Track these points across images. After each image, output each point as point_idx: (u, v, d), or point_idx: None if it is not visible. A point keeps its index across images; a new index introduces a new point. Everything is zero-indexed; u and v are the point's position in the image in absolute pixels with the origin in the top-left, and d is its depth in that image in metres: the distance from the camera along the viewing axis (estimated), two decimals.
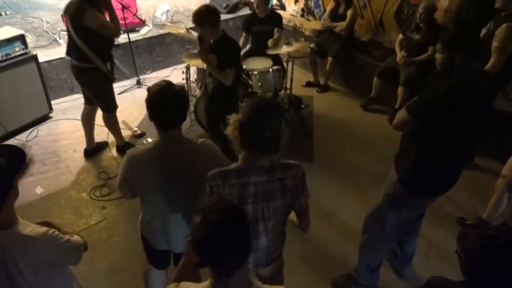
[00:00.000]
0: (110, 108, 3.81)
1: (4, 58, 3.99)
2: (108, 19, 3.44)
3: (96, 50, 3.41)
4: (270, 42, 4.55)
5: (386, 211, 2.55)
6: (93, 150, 4.12)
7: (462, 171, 2.44)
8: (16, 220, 1.63)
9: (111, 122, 3.92)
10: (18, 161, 1.74)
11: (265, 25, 4.70)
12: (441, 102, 2.12)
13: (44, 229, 1.66)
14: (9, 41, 4.02)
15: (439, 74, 2.32)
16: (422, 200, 2.50)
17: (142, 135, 4.40)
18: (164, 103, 1.91)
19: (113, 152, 4.14)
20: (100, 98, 3.73)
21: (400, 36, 4.72)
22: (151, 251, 2.31)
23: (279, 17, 4.86)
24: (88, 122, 3.96)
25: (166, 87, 1.94)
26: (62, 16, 5.40)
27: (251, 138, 1.66)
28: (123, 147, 4.05)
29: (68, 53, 3.59)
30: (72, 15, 3.31)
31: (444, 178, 2.39)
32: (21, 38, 4.12)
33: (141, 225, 2.27)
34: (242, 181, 1.70)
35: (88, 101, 3.86)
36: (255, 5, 4.68)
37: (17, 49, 4.09)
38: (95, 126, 4.08)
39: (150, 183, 2.03)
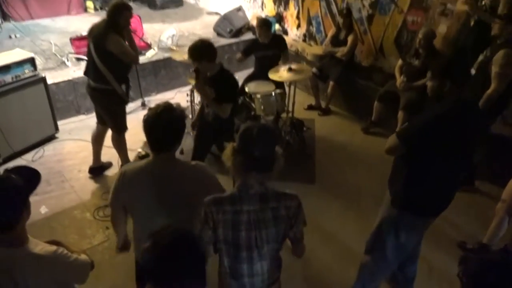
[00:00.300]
0: (120, 129, 3.91)
1: (14, 80, 4.10)
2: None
3: (115, 72, 3.55)
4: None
5: (385, 235, 2.58)
6: (98, 169, 4.19)
7: (454, 193, 2.49)
8: (27, 239, 1.68)
9: (120, 143, 4.00)
10: (33, 181, 1.81)
11: (269, 50, 4.83)
12: (428, 129, 2.22)
13: (54, 247, 1.70)
14: (20, 63, 4.14)
15: (431, 101, 2.41)
16: (416, 222, 2.52)
17: (146, 157, 4.45)
18: (159, 126, 1.92)
19: (107, 172, 4.21)
20: (113, 119, 3.83)
21: (400, 61, 4.83)
22: (142, 276, 2.25)
23: (282, 40, 4.99)
24: (98, 140, 4.07)
25: (163, 110, 1.94)
26: (70, 39, 5.59)
27: (242, 158, 1.70)
28: (99, 168, 4.14)
29: (86, 73, 3.74)
30: (96, 37, 3.47)
31: (434, 200, 2.44)
32: (31, 61, 4.24)
33: (134, 245, 2.25)
34: (236, 209, 1.74)
35: (101, 121, 3.96)
36: (257, 33, 4.81)
37: (26, 71, 4.20)
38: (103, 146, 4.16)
39: (140, 201, 2.03)
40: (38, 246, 1.68)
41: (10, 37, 6.22)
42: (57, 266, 1.68)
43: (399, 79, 4.65)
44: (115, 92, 3.64)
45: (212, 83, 3.27)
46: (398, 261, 2.70)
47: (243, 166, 1.72)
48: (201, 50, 3.18)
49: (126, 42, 3.59)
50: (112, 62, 3.49)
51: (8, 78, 4.04)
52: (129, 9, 3.56)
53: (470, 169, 2.41)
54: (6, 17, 6.90)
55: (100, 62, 3.50)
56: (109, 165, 4.28)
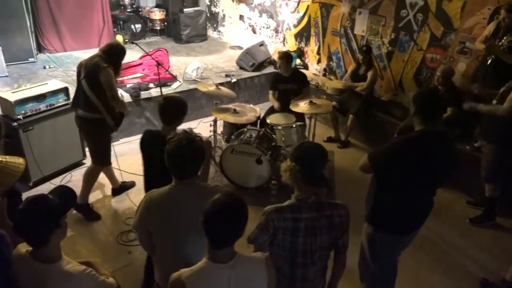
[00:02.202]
0: (102, 162, 3.94)
1: (49, 107, 4.33)
2: None
3: (105, 101, 3.62)
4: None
5: (370, 257, 2.67)
6: (120, 189, 4.35)
7: (424, 216, 2.59)
8: (60, 256, 1.78)
9: (91, 175, 3.96)
10: (68, 201, 1.93)
11: (290, 84, 4.99)
12: (392, 155, 2.36)
13: (83, 267, 1.79)
14: (55, 92, 4.38)
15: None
16: (391, 239, 2.59)
17: None
18: (181, 157, 2.02)
19: (132, 197, 4.31)
20: (97, 150, 3.89)
21: None
22: None
23: (303, 76, 5.15)
24: (107, 167, 4.15)
25: (185, 143, 2.02)
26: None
27: (310, 177, 1.89)
28: (84, 206, 4.00)
29: (74, 104, 3.83)
30: (90, 68, 3.57)
31: (402, 219, 2.52)
32: (65, 90, 4.49)
33: (155, 269, 2.33)
34: (295, 216, 1.90)
35: None
36: (278, 65, 4.99)
37: (60, 100, 4.44)
38: (119, 171, 4.34)
39: (163, 226, 2.13)
40: (69, 264, 1.77)
41: (44, 67, 6.58)
42: (84, 285, 1.76)
43: None
44: (104, 121, 3.70)
45: None
46: (393, 281, 2.79)
47: (301, 179, 1.89)
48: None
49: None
50: (102, 91, 3.57)
51: (43, 106, 4.28)
52: (125, 54, 3.78)
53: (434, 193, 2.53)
54: (41, 49, 7.32)
55: (90, 92, 3.59)
56: (131, 184, 4.43)
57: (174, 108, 2.81)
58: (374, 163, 2.41)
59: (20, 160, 2.10)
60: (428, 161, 2.32)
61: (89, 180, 3.98)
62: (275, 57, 7.20)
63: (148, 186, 2.81)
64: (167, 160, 2.07)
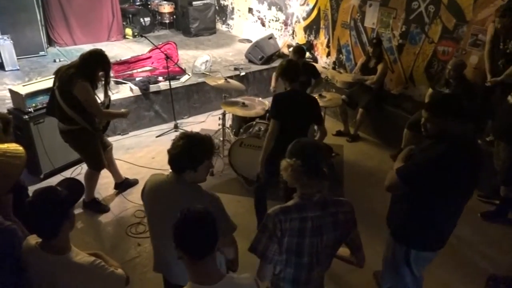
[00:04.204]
0: (96, 167, 3.85)
1: None
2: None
3: (83, 114, 3.45)
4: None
5: (400, 271, 2.58)
6: (122, 184, 4.36)
7: (453, 228, 2.48)
8: (69, 248, 1.79)
9: (89, 178, 3.91)
10: (76, 193, 1.94)
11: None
12: (430, 169, 2.21)
13: (92, 258, 1.80)
14: None
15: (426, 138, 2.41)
16: (424, 255, 2.51)
17: None
18: (176, 150, 2.02)
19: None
20: (87, 157, 3.82)
21: (430, 90, 4.85)
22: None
23: (312, 67, 5.10)
24: (109, 164, 4.12)
25: (183, 138, 2.03)
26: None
27: (313, 168, 1.83)
28: (90, 203, 4.05)
29: (49, 113, 3.69)
30: (62, 80, 3.36)
31: (438, 236, 2.44)
32: None
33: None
34: (302, 216, 1.84)
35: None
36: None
37: None
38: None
39: (152, 215, 2.21)
40: (79, 255, 1.79)
41: (54, 61, 6.63)
42: (93, 276, 1.77)
43: None
44: (84, 129, 3.53)
45: None
46: None
47: (304, 174, 1.83)
48: None
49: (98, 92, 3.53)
50: (79, 105, 3.38)
51: None
52: (108, 63, 3.49)
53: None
54: (51, 43, 7.36)
55: (64, 104, 3.40)
56: (134, 182, 4.43)
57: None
58: (408, 180, 2.28)
59: (20, 149, 2.09)
60: (468, 170, 2.23)
61: (89, 182, 3.93)
62: (284, 50, 7.17)
63: None
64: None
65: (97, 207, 4.07)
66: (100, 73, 3.49)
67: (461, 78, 4.41)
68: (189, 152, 2.01)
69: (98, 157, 3.80)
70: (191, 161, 2.03)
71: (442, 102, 2.36)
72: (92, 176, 3.92)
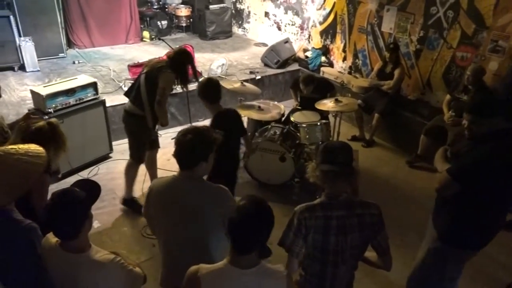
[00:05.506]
0: (135, 158, 3.99)
1: (78, 102, 4.45)
2: None
3: (153, 102, 3.63)
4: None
5: (431, 271, 2.54)
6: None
7: (501, 225, 2.45)
8: (89, 246, 1.82)
9: (130, 172, 4.05)
10: (94, 193, 1.97)
11: (312, 94, 4.96)
12: (485, 164, 2.21)
13: (112, 255, 1.83)
14: (84, 87, 4.50)
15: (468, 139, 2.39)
16: (465, 255, 2.49)
17: None
18: (183, 145, 2.04)
19: None
20: (133, 145, 3.95)
21: (448, 96, 4.80)
22: None
23: (326, 84, 5.16)
24: (150, 165, 4.20)
25: (190, 133, 2.06)
26: (128, 66, 5.98)
27: (328, 167, 1.88)
28: (128, 200, 4.14)
29: (127, 94, 3.91)
30: (153, 67, 3.64)
31: (486, 233, 2.41)
32: (94, 85, 4.60)
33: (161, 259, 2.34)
34: (326, 214, 1.90)
35: (148, 147, 4.11)
36: (302, 88, 4.98)
37: (89, 94, 4.55)
38: (142, 165, 4.23)
39: (162, 215, 2.17)
40: (99, 253, 1.82)
41: (73, 62, 6.76)
42: (113, 273, 1.80)
43: (447, 114, 4.61)
44: (144, 118, 3.73)
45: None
46: None
47: (330, 174, 1.88)
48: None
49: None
50: (154, 91, 3.58)
51: (72, 100, 4.40)
52: (192, 59, 3.78)
53: None
54: (70, 45, 7.50)
55: (144, 87, 3.64)
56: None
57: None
58: (462, 178, 2.25)
59: (40, 149, 2.13)
60: None
61: (128, 175, 4.06)
62: (300, 54, 7.18)
63: None
64: (174, 147, 2.11)
65: (134, 206, 4.10)
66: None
67: (480, 84, 4.35)
68: (201, 144, 2.06)
69: (142, 149, 3.97)
70: (204, 151, 2.08)
71: (487, 103, 2.37)
72: (130, 169, 4.03)
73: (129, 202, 4.13)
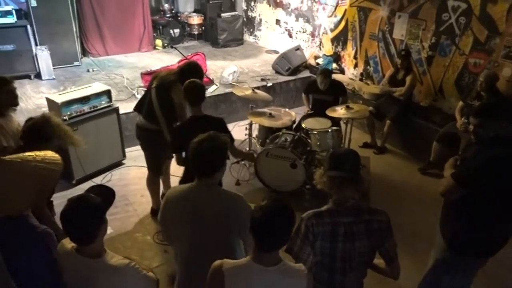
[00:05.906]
0: (156, 172, 4.02)
1: (92, 109, 4.53)
2: None
3: (167, 116, 3.62)
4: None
5: (441, 278, 2.52)
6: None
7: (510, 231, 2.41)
8: (104, 251, 1.86)
9: (151, 185, 4.10)
10: (109, 199, 2.01)
11: (324, 95, 4.98)
12: (489, 169, 2.20)
13: (127, 260, 1.86)
14: (98, 95, 4.58)
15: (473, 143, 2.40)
16: (475, 262, 2.47)
17: None
18: (199, 153, 2.05)
19: None
20: (150, 158, 3.96)
21: (461, 103, 4.76)
22: None
23: (339, 86, 5.12)
24: (163, 173, 4.21)
25: (205, 139, 2.07)
26: (141, 74, 6.07)
27: (335, 173, 1.91)
28: (157, 211, 4.12)
29: (137, 109, 3.87)
30: (163, 82, 3.60)
31: (495, 240, 2.38)
32: (108, 93, 4.67)
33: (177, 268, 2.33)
34: (334, 221, 1.90)
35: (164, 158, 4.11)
36: (318, 82, 4.96)
37: (103, 102, 4.63)
38: (171, 176, 4.30)
39: (179, 224, 2.17)
40: (114, 258, 1.85)
41: (88, 70, 6.87)
42: (129, 278, 1.83)
43: (460, 121, 4.58)
44: (160, 133, 3.68)
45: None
46: None
47: (337, 180, 1.91)
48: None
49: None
50: (169, 108, 3.57)
51: (87, 108, 4.48)
52: (202, 74, 3.66)
53: None
54: (85, 53, 7.65)
55: (156, 102, 3.60)
56: None
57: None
58: (466, 182, 2.25)
59: (56, 156, 2.19)
60: None
61: (151, 188, 4.11)
62: (311, 61, 7.20)
63: None
64: (190, 156, 2.11)
65: None
66: None
67: (493, 91, 4.31)
68: (219, 149, 2.08)
69: (158, 162, 4.00)
70: (223, 156, 2.12)
71: (496, 106, 2.37)
72: (151, 182, 4.08)
73: (157, 212, 4.14)
